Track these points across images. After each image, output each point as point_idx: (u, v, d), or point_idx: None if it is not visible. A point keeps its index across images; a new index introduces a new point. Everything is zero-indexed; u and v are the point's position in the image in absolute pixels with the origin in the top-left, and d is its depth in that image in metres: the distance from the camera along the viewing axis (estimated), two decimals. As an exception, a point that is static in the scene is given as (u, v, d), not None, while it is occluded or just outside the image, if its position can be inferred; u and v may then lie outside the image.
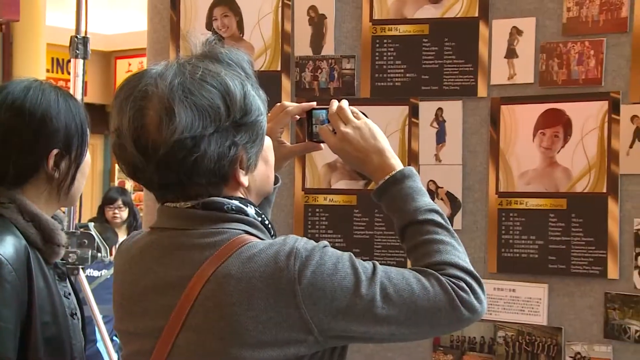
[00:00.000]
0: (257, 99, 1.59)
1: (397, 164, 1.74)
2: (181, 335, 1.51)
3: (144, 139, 1.51)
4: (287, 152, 1.98)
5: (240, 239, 1.53)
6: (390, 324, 1.51)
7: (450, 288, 1.52)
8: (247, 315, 1.47)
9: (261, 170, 1.66)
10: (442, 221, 1.66)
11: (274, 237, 1.61)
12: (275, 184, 1.94)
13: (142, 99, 1.52)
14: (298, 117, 1.94)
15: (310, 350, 1.49)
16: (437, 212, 1.68)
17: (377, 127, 1.79)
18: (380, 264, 2.15)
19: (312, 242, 1.54)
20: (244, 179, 1.58)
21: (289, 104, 1.94)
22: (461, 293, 1.53)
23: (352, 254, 1.54)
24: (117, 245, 5.87)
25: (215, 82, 1.53)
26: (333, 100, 1.80)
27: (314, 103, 1.86)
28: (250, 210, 1.60)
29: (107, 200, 7.01)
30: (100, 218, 7.03)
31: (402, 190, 1.69)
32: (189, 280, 1.50)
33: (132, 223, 6.96)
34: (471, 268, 1.59)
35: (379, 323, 1.50)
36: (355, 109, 1.81)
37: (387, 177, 1.71)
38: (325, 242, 1.56)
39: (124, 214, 6.95)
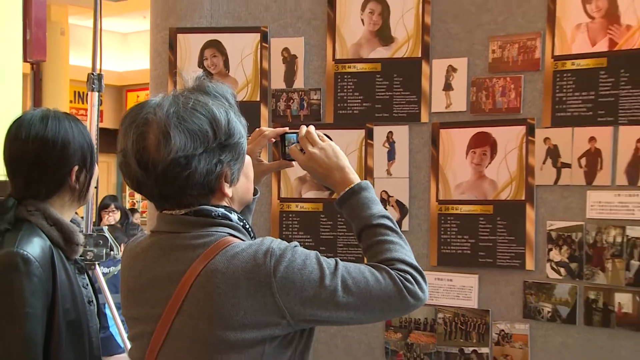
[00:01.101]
0: (239, 124, 1.62)
1: (355, 179, 1.76)
2: (176, 320, 1.53)
3: (145, 158, 1.54)
4: (264, 169, 2.01)
5: (225, 240, 1.55)
6: (349, 310, 1.54)
7: (398, 280, 1.56)
8: (232, 303, 1.49)
9: (242, 183, 1.69)
10: (392, 225, 1.69)
11: (253, 239, 1.63)
12: (254, 194, 1.96)
13: (143, 125, 1.55)
14: (274, 139, 1.94)
15: (284, 332, 1.52)
16: (388, 217, 1.71)
17: (339, 147, 1.81)
18: (342, 259, 2.21)
19: (285, 242, 1.56)
20: (228, 191, 1.61)
21: (265, 129, 1.96)
22: (407, 284, 1.56)
23: (318, 252, 1.58)
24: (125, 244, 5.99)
25: (204, 110, 1.56)
26: (302, 125, 1.82)
27: (287, 128, 1.87)
28: (234, 216, 1.63)
29: (103, 206, 7.10)
30: (98, 222, 7.15)
31: (359, 200, 1.72)
32: (183, 274, 1.53)
33: (125, 221, 7.07)
34: (416, 263, 1.62)
35: (340, 309, 1.53)
36: (320, 132, 1.83)
37: (347, 189, 1.73)
38: (296, 243, 1.59)
39: (117, 215, 7.08)
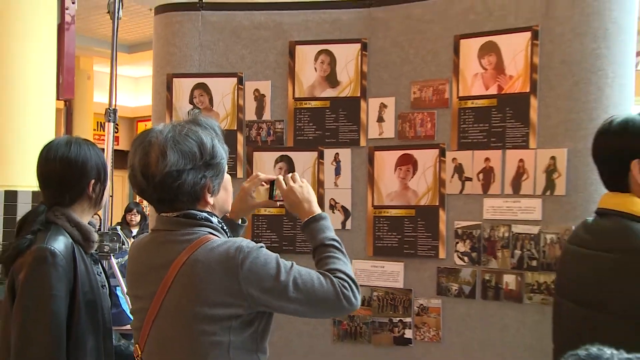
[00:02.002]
0: (221, 149, 1.67)
1: (318, 210, 1.81)
2: (166, 298, 1.59)
3: (147, 171, 1.60)
4: (254, 204, 2.03)
5: (206, 237, 1.61)
6: (296, 304, 1.57)
7: (338, 286, 1.59)
8: (207, 286, 1.55)
9: (222, 195, 1.75)
10: (339, 246, 1.73)
11: (229, 237, 1.69)
12: (243, 223, 2.03)
13: (147, 146, 1.61)
14: (265, 183, 1.96)
15: (246, 312, 1.56)
16: (337, 241, 1.74)
17: (310, 187, 1.87)
18: (299, 252, 2.28)
19: (254, 243, 1.60)
20: (211, 199, 1.67)
21: (260, 173, 2.00)
22: (345, 290, 1.60)
23: (279, 255, 1.61)
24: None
25: (194, 137, 1.62)
26: (291, 174, 1.89)
27: (280, 176, 1.90)
28: (214, 219, 1.68)
29: (128, 209, 7.56)
30: (124, 221, 7.46)
31: (317, 226, 1.77)
32: (172, 262, 1.58)
33: (143, 223, 7.28)
34: (353, 276, 1.65)
35: (290, 302, 1.56)
36: (298, 176, 1.88)
37: (310, 217, 1.79)
38: (262, 245, 1.62)
39: (137, 218, 7.40)
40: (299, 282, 1.57)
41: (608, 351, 0.57)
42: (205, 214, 1.66)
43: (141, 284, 1.69)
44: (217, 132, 1.71)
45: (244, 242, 1.60)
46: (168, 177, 1.59)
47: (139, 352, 1.65)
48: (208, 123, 1.71)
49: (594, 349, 0.58)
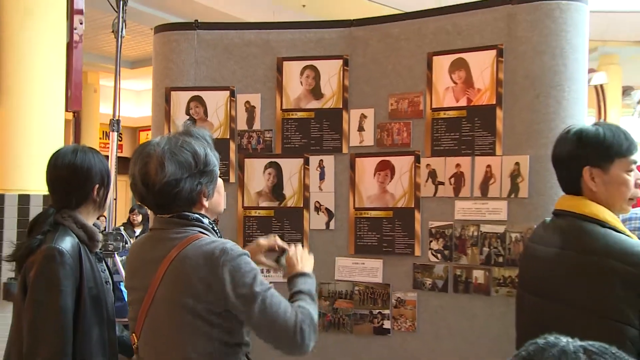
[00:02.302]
0: (213, 157, 1.69)
1: (308, 270, 1.81)
2: (158, 290, 1.60)
3: (147, 180, 1.62)
4: (259, 260, 1.95)
5: (196, 236, 1.63)
6: (259, 318, 1.56)
7: (299, 319, 1.57)
8: (193, 279, 1.56)
9: (216, 198, 1.76)
10: (314, 295, 1.72)
11: (220, 237, 1.69)
12: None
13: (146, 157, 1.63)
14: (277, 247, 1.95)
15: (224, 308, 1.56)
16: (311, 291, 1.73)
17: (311, 258, 1.89)
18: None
19: (239, 248, 1.61)
20: (206, 203, 1.69)
21: (262, 240, 1.98)
22: (303, 325, 1.57)
23: (259, 270, 1.62)
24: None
25: (188, 147, 1.64)
26: (298, 248, 1.89)
27: (292, 249, 1.88)
28: (205, 220, 1.69)
29: (131, 210, 7.84)
30: (128, 221, 7.77)
31: (303, 279, 1.75)
32: (164, 258, 1.61)
33: (145, 223, 7.38)
34: (316, 321, 1.63)
35: (253, 313, 1.55)
36: (303, 250, 1.88)
37: (297, 272, 1.78)
38: (247, 252, 1.63)
39: (139, 217, 7.57)
40: (267, 302, 1.56)
41: (564, 339, 0.57)
42: (197, 215, 1.68)
43: (137, 277, 1.71)
44: (209, 141, 1.73)
45: (229, 244, 1.60)
46: (167, 186, 1.61)
47: (135, 341, 1.67)
48: (200, 133, 1.73)
49: (551, 338, 0.58)
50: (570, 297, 1.66)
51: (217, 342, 1.58)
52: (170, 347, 1.60)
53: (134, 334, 1.68)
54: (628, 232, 1.69)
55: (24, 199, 3.35)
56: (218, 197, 1.79)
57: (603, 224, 1.67)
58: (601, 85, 8.84)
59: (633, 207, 1.84)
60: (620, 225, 1.69)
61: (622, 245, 1.61)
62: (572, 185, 1.78)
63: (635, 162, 1.73)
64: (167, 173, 1.60)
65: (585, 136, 1.75)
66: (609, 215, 1.70)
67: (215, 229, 1.73)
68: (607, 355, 0.55)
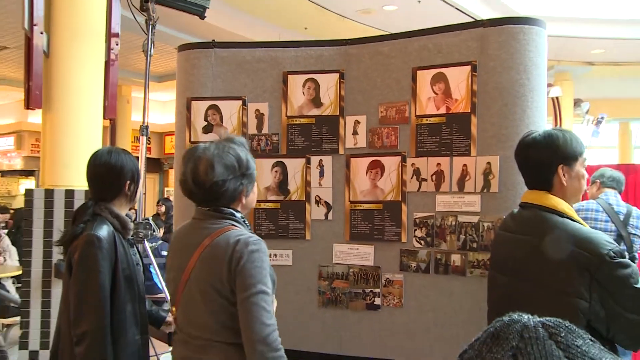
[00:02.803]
0: (252, 161, 1.70)
1: None
2: (193, 270, 1.62)
3: (197, 179, 1.63)
4: None
5: (228, 228, 1.63)
6: (244, 306, 1.52)
7: (272, 339, 1.50)
8: (219, 264, 1.57)
9: (251, 197, 1.75)
10: None
11: (250, 230, 1.68)
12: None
13: (197, 160, 1.64)
14: None
15: (232, 289, 1.56)
16: None
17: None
18: (292, 237, 2.21)
19: (261, 242, 1.59)
20: (244, 201, 1.70)
21: None
22: (273, 344, 1.50)
23: (274, 273, 1.61)
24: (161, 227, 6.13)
25: (233, 152, 1.65)
26: None
27: None
28: (238, 214, 1.69)
29: (158, 202, 8.07)
30: (157, 213, 7.87)
31: None
32: (199, 244, 1.62)
33: (169, 213, 7.27)
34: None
35: (243, 300, 1.53)
36: None
37: None
38: (266, 250, 1.59)
39: (162, 209, 7.62)
40: (259, 299, 1.51)
41: (525, 316, 0.57)
42: (231, 210, 1.68)
43: (176, 258, 1.72)
44: (246, 147, 1.74)
45: (253, 238, 1.59)
46: (215, 186, 1.62)
47: (174, 311, 1.69)
48: (241, 141, 1.73)
49: (515, 315, 0.58)
50: (532, 276, 1.69)
51: (237, 319, 1.57)
52: (200, 318, 1.61)
53: (173, 307, 1.70)
54: (581, 221, 1.71)
55: (69, 193, 3.39)
56: (253, 196, 1.78)
57: (561, 214, 1.69)
58: (557, 98, 8.96)
59: (584, 200, 1.88)
60: (575, 215, 1.71)
61: (582, 234, 1.63)
62: (541, 182, 1.76)
63: (586, 159, 1.76)
64: (216, 174, 1.62)
65: (556, 139, 1.75)
66: (566, 206, 1.71)
67: (246, 222, 1.72)
68: (561, 328, 0.56)
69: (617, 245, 1.61)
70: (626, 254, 1.62)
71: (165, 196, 13.32)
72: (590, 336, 0.57)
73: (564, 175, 1.73)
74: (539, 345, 0.54)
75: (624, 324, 1.56)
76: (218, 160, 1.63)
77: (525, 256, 1.73)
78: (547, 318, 0.57)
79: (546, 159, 1.76)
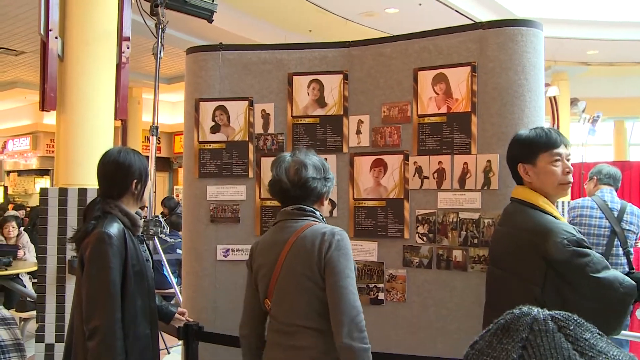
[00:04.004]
0: (330, 169, 1.90)
1: None
2: (284, 263, 1.74)
3: (291, 179, 1.77)
4: None
5: (312, 223, 1.78)
6: (333, 290, 1.66)
7: (360, 319, 1.64)
8: (310, 254, 1.70)
9: (326, 204, 1.92)
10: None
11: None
12: None
13: (289, 162, 1.83)
14: None
15: (322, 276, 1.69)
16: None
17: None
18: None
19: (345, 233, 1.74)
20: (325, 203, 1.89)
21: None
22: (360, 324, 1.63)
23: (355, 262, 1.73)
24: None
25: (316, 158, 1.87)
26: None
27: None
28: (318, 213, 1.81)
29: (161, 202, 7.61)
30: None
31: None
32: (288, 239, 1.75)
33: (171, 214, 7.05)
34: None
35: (332, 284, 1.66)
36: None
37: None
38: (348, 238, 1.74)
39: (165, 210, 7.34)
40: (348, 282, 1.66)
41: (535, 309, 0.57)
42: (312, 208, 1.81)
43: (264, 255, 1.81)
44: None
45: (338, 229, 1.73)
46: (308, 182, 1.78)
47: (269, 303, 1.78)
48: (313, 154, 1.89)
49: (525, 308, 0.58)
50: (507, 265, 1.77)
51: (326, 304, 1.67)
52: (293, 306, 1.72)
53: (266, 299, 1.79)
54: (556, 214, 1.74)
55: (82, 192, 3.39)
56: (328, 205, 1.94)
57: (535, 207, 1.74)
58: (554, 97, 8.96)
59: (581, 196, 1.90)
60: (549, 208, 1.74)
61: (541, 223, 1.68)
62: (515, 177, 1.86)
63: (559, 154, 1.77)
64: (309, 172, 1.78)
65: (515, 139, 1.85)
66: (541, 200, 1.75)
67: (324, 219, 1.85)
68: (570, 321, 0.55)
69: (576, 235, 1.64)
70: (585, 244, 1.65)
71: (175, 194, 13.34)
72: (598, 330, 0.56)
73: (526, 173, 1.79)
74: (548, 337, 0.54)
75: (583, 312, 1.56)
76: (308, 162, 1.80)
77: (501, 247, 1.83)
78: (557, 312, 0.57)
79: (509, 158, 1.87)
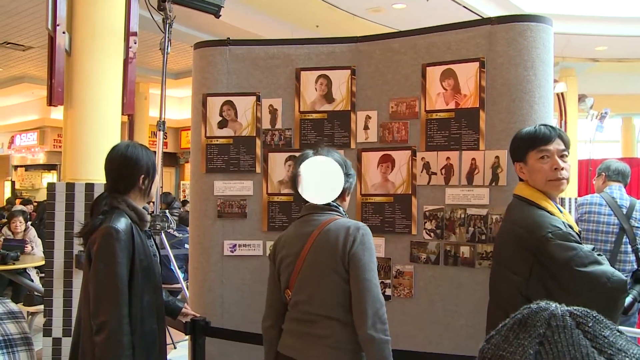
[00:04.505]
0: (351, 166, 1.91)
1: None
2: (307, 255, 1.77)
3: None
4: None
5: (335, 217, 1.80)
6: (357, 282, 1.68)
7: (383, 312, 1.68)
8: (334, 247, 1.72)
9: (347, 200, 1.95)
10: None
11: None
12: None
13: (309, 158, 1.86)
14: None
15: (346, 268, 1.71)
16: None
17: None
18: None
19: (368, 229, 1.77)
20: (347, 199, 1.92)
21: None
22: (383, 317, 1.68)
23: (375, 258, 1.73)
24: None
25: (337, 154, 1.90)
26: None
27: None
28: (341, 208, 1.87)
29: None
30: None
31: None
32: (312, 232, 1.78)
33: (167, 209, 6.97)
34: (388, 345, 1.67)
35: (356, 277, 1.69)
36: None
37: None
38: (371, 233, 1.77)
39: (163, 206, 7.00)
40: (372, 275, 1.69)
41: (552, 304, 0.56)
42: (335, 204, 1.85)
43: (288, 247, 1.84)
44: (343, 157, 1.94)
45: (361, 224, 1.76)
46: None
47: (289, 294, 1.80)
48: (336, 152, 1.92)
49: (542, 303, 0.57)
50: (500, 258, 1.81)
51: (348, 295, 1.70)
52: (316, 295, 1.74)
53: (287, 289, 1.81)
54: (551, 209, 1.74)
55: (89, 187, 3.39)
56: (348, 200, 1.94)
57: (531, 202, 1.76)
58: (562, 93, 8.91)
59: (589, 193, 1.92)
60: (545, 203, 1.75)
61: (530, 217, 1.70)
62: (517, 174, 1.91)
63: (547, 151, 1.77)
64: (342, 169, 1.84)
65: (512, 138, 1.90)
66: (537, 195, 1.77)
67: (346, 214, 1.89)
68: (589, 318, 0.54)
69: (562, 229, 1.64)
70: (573, 238, 1.66)
71: (181, 189, 13.38)
72: (617, 327, 0.55)
73: (520, 170, 1.84)
74: (566, 334, 0.52)
75: (570, 305, 1.59)
76: (331, 157, 1.84)
77: (499, 241, 1.88)
78: (575, 307, 0.56)
79: (510, 156, 1.94)
